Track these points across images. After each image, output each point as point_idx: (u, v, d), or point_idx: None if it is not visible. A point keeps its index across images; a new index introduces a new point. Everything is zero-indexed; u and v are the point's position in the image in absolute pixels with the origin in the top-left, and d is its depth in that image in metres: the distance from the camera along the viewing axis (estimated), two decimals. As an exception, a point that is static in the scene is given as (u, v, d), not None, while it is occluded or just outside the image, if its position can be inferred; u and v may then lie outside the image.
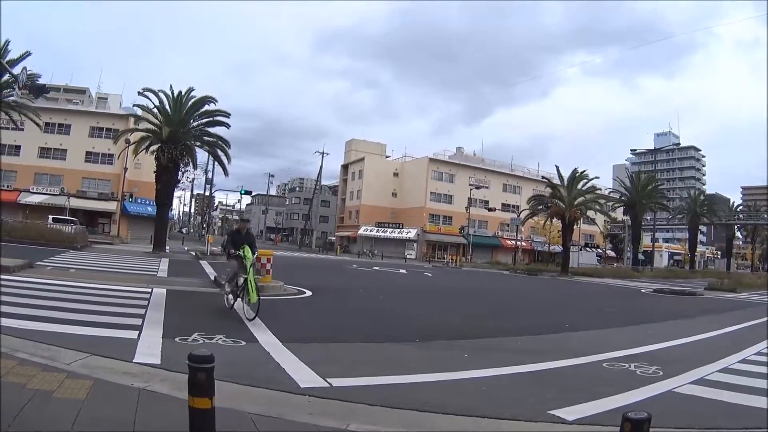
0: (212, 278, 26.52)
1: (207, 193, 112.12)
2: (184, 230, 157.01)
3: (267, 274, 24.23)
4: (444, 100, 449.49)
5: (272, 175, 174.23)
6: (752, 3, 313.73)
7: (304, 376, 9.82)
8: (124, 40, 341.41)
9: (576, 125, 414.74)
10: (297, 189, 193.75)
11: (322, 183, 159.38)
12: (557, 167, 77.00)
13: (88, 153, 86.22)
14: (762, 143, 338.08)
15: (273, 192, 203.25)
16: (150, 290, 20.43)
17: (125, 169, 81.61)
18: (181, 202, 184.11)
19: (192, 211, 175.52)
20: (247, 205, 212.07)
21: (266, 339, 12.98)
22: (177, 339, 12.05)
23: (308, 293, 24.63)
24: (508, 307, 28.51)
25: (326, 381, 9.54)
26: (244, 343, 12.32)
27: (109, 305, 16.10)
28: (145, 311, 15.69)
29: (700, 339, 19.16)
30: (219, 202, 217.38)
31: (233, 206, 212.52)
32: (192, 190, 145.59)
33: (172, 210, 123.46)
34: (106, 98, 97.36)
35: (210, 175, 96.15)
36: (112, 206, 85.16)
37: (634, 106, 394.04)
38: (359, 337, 15.06)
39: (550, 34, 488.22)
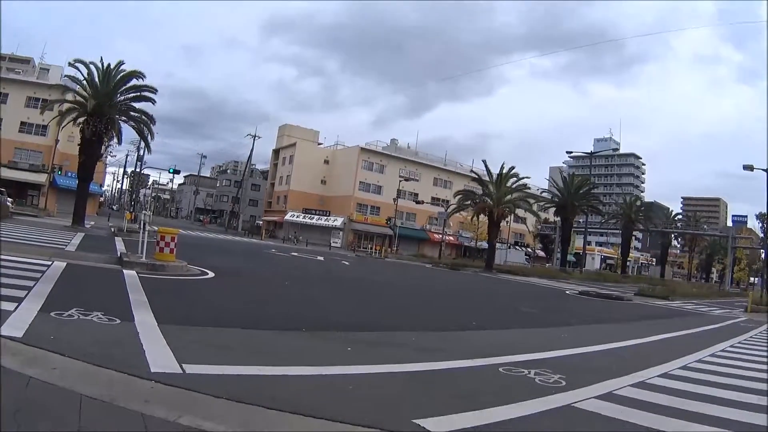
0: (118, 255, 25.81)
1: (137, 171, 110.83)
2: (114, 207, 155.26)
3: (170, 253, 23.94)
4: (388, 92, 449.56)
5: (204, 156, 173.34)
6: (715, 18, 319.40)
7: (161, 360, 9.16)
8: (76, 14, 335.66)
9: (520, 126, 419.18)
10: (228, 171, 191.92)
11: (256, 167, 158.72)
12: (485, 162, 76.78)
13: (22, 123, 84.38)
14: (711, 155, 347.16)
15: (207, 173, 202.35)
16: (50, 263, 19.83)
17: (57, 141, 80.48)
18: (114, 179, 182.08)
19: (123, 188, 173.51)
20: (180, 185, 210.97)
21: (144, 319, 12.34)
22: (53, 314, 11.43)
23: (210, 275, 24.11)
24: (417, 301, 27.76)
25: (181, 367, 8.87)
26: (118, 321, 11.68)
27: (1, 276, 15.21)
28: (35, 284, 15.05)
29: (619, 347, 18.22)
30: (153, 180, 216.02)
31: (166, 185, 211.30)
32: (125, 167, 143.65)
33: (104, 187, 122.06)
34: (48, 69, 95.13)
35: (142, 152, 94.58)
36: (41, 178, 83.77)
37: (581, 111, 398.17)
38: (244, 323, 14.34)
39: (502, 34, 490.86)
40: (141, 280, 19.05)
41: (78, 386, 7.10)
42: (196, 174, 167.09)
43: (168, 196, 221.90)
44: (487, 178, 76.25)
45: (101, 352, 8.99)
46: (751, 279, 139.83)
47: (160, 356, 9.33)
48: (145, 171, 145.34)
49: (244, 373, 9.15)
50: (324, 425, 7.15)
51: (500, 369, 11.87)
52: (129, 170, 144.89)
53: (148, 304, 14.35)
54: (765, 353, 20.33)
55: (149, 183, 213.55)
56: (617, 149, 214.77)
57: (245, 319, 15.12)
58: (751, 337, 26.20)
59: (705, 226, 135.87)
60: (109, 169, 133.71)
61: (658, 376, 13.20)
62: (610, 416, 9.05)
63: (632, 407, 9.75)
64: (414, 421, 7.61)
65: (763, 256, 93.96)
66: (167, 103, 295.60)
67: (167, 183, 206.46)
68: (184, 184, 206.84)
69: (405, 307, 24.13)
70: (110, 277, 19.06)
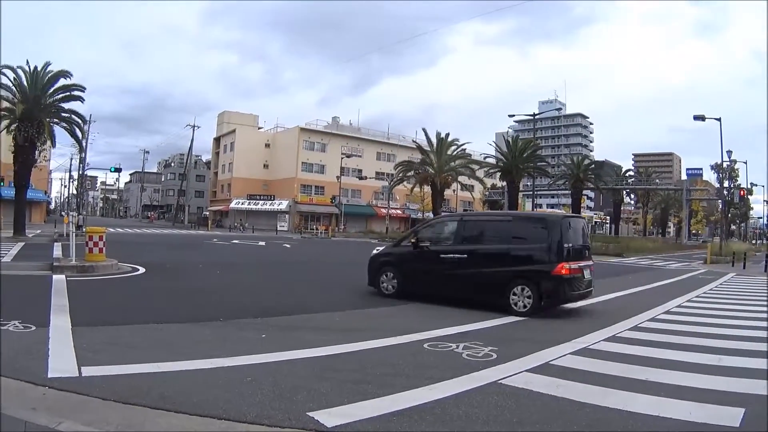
0: (52, 261, 24.72)
1: (81, 173, 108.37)
2: (63, 213, 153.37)
3: (99, 252, 23.32)
4: (331, 71, 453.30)
5: (147, 152, 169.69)
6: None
7: (61, 364, 8.75)
8: (14, 18, 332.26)
9: (467, 95, 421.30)
10: (173, 165, 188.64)
11: (201, 158, 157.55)
12: (425, 131, 76.14)
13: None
14: (664, 112, 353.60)
15: (154, 169, 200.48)
16: (-18, 275, 19.29)
17: (-2, 153, 79.13)
18: (62, 185, 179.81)
19: (70, 192, 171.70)
20: (126, 183, 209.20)
21: (59, 323, 11.98)
22: (-28, 326, 11.04)
23: (141, 270, 23.60)
24: (349, 279, 26.26)
25: (79, 370, 8.50)
26: (34, 328, 11.35)
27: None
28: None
29: (562, 310, 17.54)
30: (101, 182, 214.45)
31: (113, 185, 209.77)
32: (70, 171, 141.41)
33: (51, 194, 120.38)
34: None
35: (83, 153, 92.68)
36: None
37: (529, 77, 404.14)
38: (160, 318, 13.48)
39: (445, 3, 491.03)
40: (68, 283, 18.68)
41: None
42: (141, 171, 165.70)
43: (116, 197, 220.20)
44: (428, 148, 75.76)
45: (6, 360, 8.69)
46: (703, 230, 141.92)
47: (61, 360, 9.01)
48: (92, 173, 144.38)
49: (140, 372, 8.67)
50: (205, 423, 6.70)
51: (425, 345, 11.34)
52: (75, 174, 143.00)
53: (67, 307, 13.99)
54: (725, 306, 19.95)
55: (97, 185, 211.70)
56: (560, 109, 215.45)
57: (162, 313, 14.47)
58: (711, 289, 26.04)
59: (657, 181, 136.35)
60: (57, 175, 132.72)
61: (603, 340, 12.65)
62: (541, 392, 8.37)
63: (569, 379, 9.12)
64: (309, 413, 7.06)
65: (720, 207, 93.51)
66: (113, 102, 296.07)
67: (114, 183, 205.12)
68: (130, 182, 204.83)
69: (335, 286, 23.18)
70: (38, 283, 18.59)
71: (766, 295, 23.59)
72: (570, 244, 16.63)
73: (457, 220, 19.61)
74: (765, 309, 19.14)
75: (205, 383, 8.22)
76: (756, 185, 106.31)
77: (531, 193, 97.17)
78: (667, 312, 17.80)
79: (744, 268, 41.20)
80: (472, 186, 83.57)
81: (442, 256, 18.00)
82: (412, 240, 19.28)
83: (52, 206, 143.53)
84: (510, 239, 17.34)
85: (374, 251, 21.91)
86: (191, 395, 7.53)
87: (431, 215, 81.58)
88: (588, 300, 18.96)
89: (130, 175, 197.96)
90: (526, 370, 9.51)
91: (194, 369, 8.95)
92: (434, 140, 75.38)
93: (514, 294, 16.19)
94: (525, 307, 15.95)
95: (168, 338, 11.39)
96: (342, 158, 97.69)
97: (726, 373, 9.81)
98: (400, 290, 18.62)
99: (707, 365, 10.36)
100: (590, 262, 17.82)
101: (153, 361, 9.18)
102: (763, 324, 15.58)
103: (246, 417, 6.83)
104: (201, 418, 6.77)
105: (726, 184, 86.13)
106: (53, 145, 56.91)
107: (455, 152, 76.75)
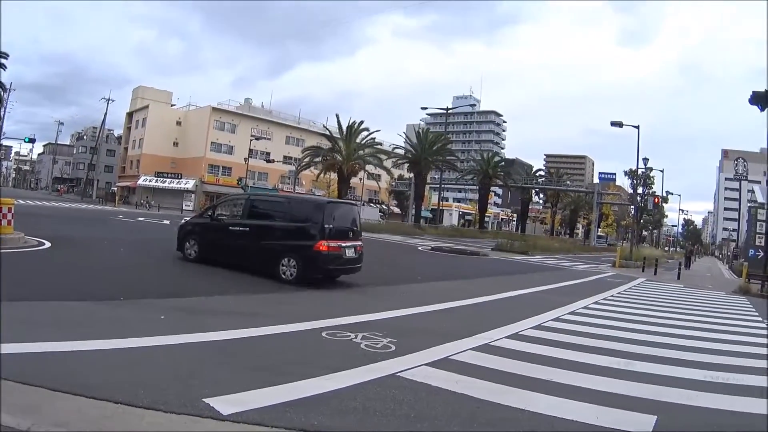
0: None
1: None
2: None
3: (8, 224, 22.69)
4: (249, 53, 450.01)
5: (62, 123, 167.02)
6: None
7: None
8: None
9: (384, 84, 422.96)
10: (86, 137, 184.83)
11: (114, 132, 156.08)
12: (337, 117, 76.47)
13: None
14: (576, 116, 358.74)
15: (67, 141, 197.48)
16: None
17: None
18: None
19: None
20: (39, 154, 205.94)
21: None
22: None
23: (47, 245, 22.95)
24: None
25: None
26: None
27: None
28: None
29: (465, 305, 17.61)
30: (16, 152, 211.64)
31: (27, 155, 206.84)
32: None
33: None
34: None
35: (1, 123, 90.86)
36: None
37: (447, 71, 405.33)
38: (62, 294, 13.12)
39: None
40: (-23, 257, 18.16)
41: None
42: (54, 142, 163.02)
43: (29, 168, 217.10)
44: (338, 135, 76.05)
45: None
46: (613, 233, 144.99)
47: (-32, 338, 8.61)
48: (7, 142, 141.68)
49: (42, 351, 8.36)
50: (100, 406, 6.45)
51: (323, 334, 11.26)
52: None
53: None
54: (634, 310, 20.06)
55: (11, 155, 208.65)
56: (475, 105, 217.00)
57: (66, 290, 14.03)
58: (619, 292, 26.23)
59: (568, 182, 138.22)
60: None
61: (506, 337, 12.63)
62: (440, 387, 8.34)
63: (470, 375, 9.12)
64: (204, 400, 6.88)
65: (632, 212, 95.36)
66: (33, 72, 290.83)
67: (27, 154, 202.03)
68: (43, 153, 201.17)
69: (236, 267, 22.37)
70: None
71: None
72: (331, 226, 18.95)
73: (245, 198, 23.51)
74: (673, 316, 19.27)
75: (103, 364, 8.01)
76: (672, 194, 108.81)
77: (438, 185, 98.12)
78: (573, 312, 17.78)
79: (655, 273, 41.71)
80: (379, 175, 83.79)
81: (231, 228, 20.87)
82: (209, 213, 22.88)
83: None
84: (285, 217, 20.10)
85: (182, 221, 26.26)
86: (89, 377, 7.31)
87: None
88: (493, 296, 19.38)
89: (44, 146, 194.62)
90: (425, 364, 9.46)
91: (94, 350, 8.66)
92: (345, 127, 75.52)
93: (284, 264, 18.83)
94: (291, 275, 18.58)
95: (70, 316, 11.06)
96: (251, 140, 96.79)
97: (635, 378, 9.79)
98: (201, 257, 21.32)
99: (615, 369, 10.39)
100: (357, 243, 20.11)
101: (55, 340, 8.85)
102: (676, 331, 15.72)
103: (142, 401, 6.61)
104: (97, 401, 6.52)
105: (640, 190, 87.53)
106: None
107: (365, 140, 77.14)
